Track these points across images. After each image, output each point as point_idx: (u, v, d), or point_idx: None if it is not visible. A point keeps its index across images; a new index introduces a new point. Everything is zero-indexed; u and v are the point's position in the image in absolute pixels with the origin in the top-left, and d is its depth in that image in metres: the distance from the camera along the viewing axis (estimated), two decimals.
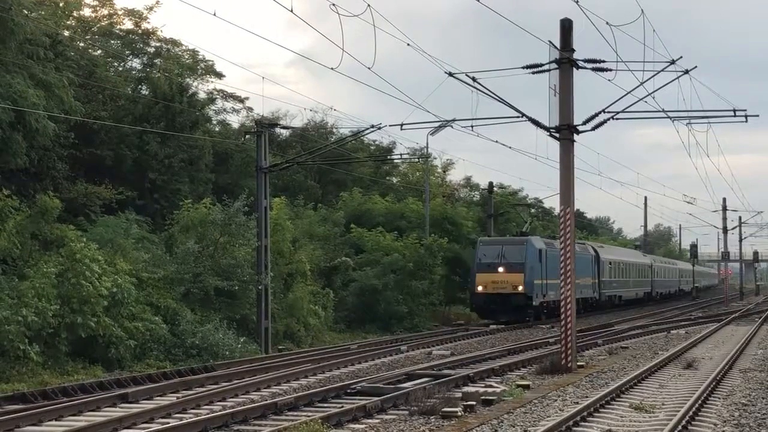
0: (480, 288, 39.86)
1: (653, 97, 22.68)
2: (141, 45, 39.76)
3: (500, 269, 39.77)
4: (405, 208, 46.27)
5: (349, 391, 16.95)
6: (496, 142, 38.98)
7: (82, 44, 36.67)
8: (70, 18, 36.30)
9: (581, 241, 54.16)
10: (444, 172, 65.59)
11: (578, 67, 21.26)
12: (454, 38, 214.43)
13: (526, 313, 40.06)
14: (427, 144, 50.73)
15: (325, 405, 15.83)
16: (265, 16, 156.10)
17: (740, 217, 77.71)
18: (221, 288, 27.89)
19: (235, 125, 47.26)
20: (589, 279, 48.34)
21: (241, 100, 46.99)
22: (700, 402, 15.39)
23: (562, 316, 21.21)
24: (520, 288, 39.45)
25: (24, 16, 26.58)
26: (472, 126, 24.43)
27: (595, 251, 51.98)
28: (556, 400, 16.14)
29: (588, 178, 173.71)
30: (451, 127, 28.79)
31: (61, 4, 34.21)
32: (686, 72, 22.14)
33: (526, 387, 17.71)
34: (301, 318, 31.87)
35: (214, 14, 19.38)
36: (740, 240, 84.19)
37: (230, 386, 17.90)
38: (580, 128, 21.80)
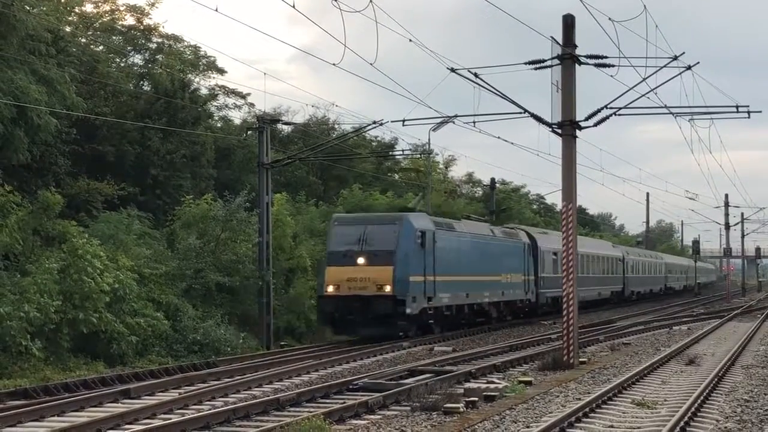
0: (330, 288, 27.52)
1: (656, 93, 22.70)
2: (143, 41, 39.77)
3: (360, 260, 27.40)
4: (404, 204, 46.22)
5: (351, 387, 16.95)
6: (498, 138, 38.73)
7: (84, 40, 36.68)
8: (72, 14, 36.29)
9: (510, 225, 43.86)
10: (446, 168, 65.62)
11: (580, 63, 21.23)
12: (457, 35, 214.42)
13: (397, 327, 27.52)
14: (429, 140, 50.55)
15: (327, 401, 15.84)
16: (267, 11, 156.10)
17: (742, 214, 77.81)
18: (222, 284, 27.91)
19: (237, 121, 47.29)
20: (519, 276, 37.57)
21: (243, 96, 46.96)
22: (702, 398, 15.38)
23: (564, 313, 21.20)
24: (387, 288, 26.93)
25: (26, 12, 26.57)
26: (474, 122, 24.44)
27: (531, 239, 40.88)
28: (558, 396, 16.13)
29: (590, 174, 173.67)
30: (453, 123, 28.85)
31: (62, 0, 34.21)
32: (688, 68, 22.12)
33: (528, 383, 17.70)
34: (302, 314, 31.87)
35: (216, 10, 19.32)
36: (742, 236, 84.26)
37: (232, 382, 17.91)
38: (583, 124, 21.79)
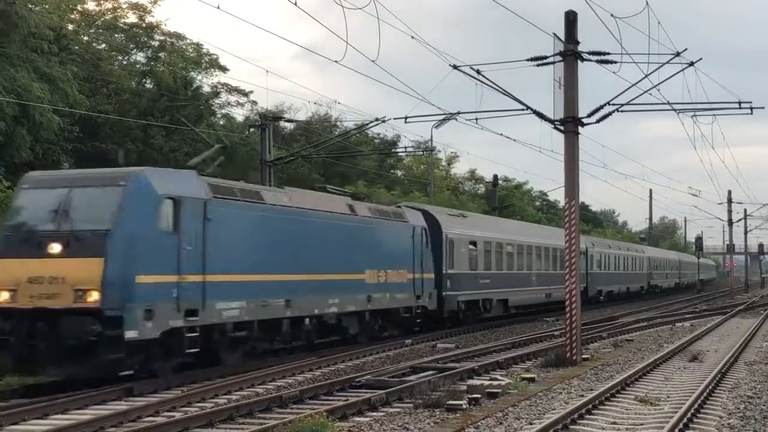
0: (3, 296, 16.53)
1: (658, 90, 22.64)
2: (145, 39, 39.82)
3: (53, 248, 16.38)
4: (410, 201, 46.25)
5: (354, 384, 16.95)
6: (501, 135, 38.64)
7: (86, 38, 36.73)
8: (74, 11, 36.34)
9: (405, 204, 32.32)
10: (448, 165, 65.71)
11: (583, 60, 21.22)
12: (459, 32, 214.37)
13: (109, 363, 16.05)
14: (432, 137, 50.42)
15: (330, 398, 15.84)
16: (270, 9, 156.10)
17: (745, 210, 77.69)
18: None
19: (240, 119, 47.36)
20: (404, 273, 26.61)
21: (246, 94, 47.04)
22: (705, 395, 15.37)
23: (567, 309, 21.17)
24: (93, 296, 16.04)
25: (28, 10, 26.62)
26: (476, 119, 24.45)
27: (432, 222, 29.48)
28: (561, 393, 16.13)
29: (593, 170, 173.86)
30: (456, 120, 28.77)
31: None
32: (691, 64, 22.09)
33: (531, 380, 17.70)
34: None
35: (218, 8, 19.34)
36: (745, 232, 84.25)
37: (235, 379, 17.91)
38: (585, 121, 21.76)
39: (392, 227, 26.64)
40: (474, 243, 32.53)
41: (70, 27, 34.37)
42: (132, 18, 39.08)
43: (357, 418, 13.76)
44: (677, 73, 22.25)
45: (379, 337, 25.96)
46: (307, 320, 22.09)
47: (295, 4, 16.80)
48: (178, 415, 14.17)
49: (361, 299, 24.37)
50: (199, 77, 41.62)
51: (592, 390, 16.17)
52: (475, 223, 35.31)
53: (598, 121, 22.02)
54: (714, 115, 25.77)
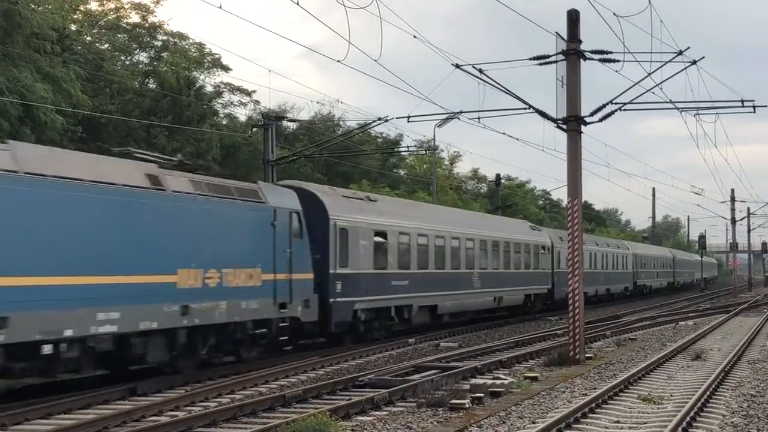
0: None
1: (661, 88, 22.65)
2: (148, 39, 39.87)
3: None
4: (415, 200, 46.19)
5: (357, 383, 16.97)
6: (504, 134, 38.57)
7: (89, 38, 36.77)
8: (77, 12, 36.38)
9: (285, 183, 24.21)
10: (451, 164, 65.70)
11: (585, 59, 21.21)
12: (461, 31, 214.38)
13: None
14: (434, 136, 50.36)
15: (333, 397, 15.85)
16: (272, 9, 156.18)
17: (749, 208, 77.63)
18: None
19: (243, 118, 47.41)
20: (257, 272, 19.37)
21: (248, 93, 47.10)
22: (708, 393, 15.37)
23: (570, 308, 21.17)
24: None
25: (31, 10, 26.64)
26: (479, 118, 24.46)
27: (314, 204, 22.55)
28: (564, 392, 16.13)
29: (596, 169, 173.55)
30: (458, 119, 28.79)
31: None
32: (694, 62, 22.09)
33: (534, 379, 17.70)
34: None
35: (220, 7, 19.35)
36: (749, 231, 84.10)
37: (238, 379, 17.93)
38: (588, 119, 21.75)
39: (235, 210, 18.90)
40: (383, 234, 25.32)
41: (73, 27, 34.41)
42: (135, 18, 39.19)
43: (360, 417, 13.77)
44: (680, 71, 22.28)
45: (211, 363, 19.18)
46: (46, 347, 14.39)
47: (297, 3, 16.80)
48: (181, 414, 14.19)
49: (170, 312, 16.85)
50: (202, 77, 41.71)
51: (595, 389, 16.17)
52: (388, 208, 27.31)
53: (600, 120, 22.03)
54: (717, 113, 25.78)
